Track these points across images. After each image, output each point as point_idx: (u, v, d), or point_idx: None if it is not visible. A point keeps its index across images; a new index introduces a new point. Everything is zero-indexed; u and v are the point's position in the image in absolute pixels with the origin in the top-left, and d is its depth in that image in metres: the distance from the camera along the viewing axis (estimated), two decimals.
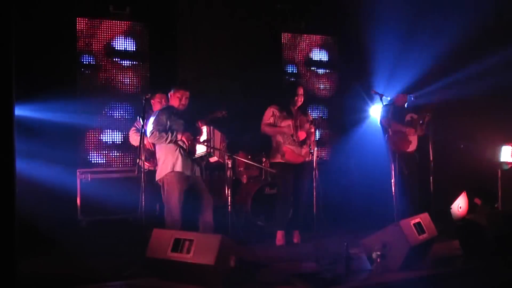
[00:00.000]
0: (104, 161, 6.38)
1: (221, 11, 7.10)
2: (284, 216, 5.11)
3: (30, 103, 5.78)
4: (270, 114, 5.11)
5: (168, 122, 4.59)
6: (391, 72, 7.12)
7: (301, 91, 5.15)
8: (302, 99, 5.12)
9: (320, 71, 7.69)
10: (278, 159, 5.07)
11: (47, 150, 5.77)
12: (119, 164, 6.40)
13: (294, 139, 5.06)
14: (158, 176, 4.64)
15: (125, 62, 6.56)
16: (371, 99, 5.93)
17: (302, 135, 5.07)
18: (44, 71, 6.06)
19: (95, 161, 6.32)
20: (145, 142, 4.92)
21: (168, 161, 4.59)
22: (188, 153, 4.60)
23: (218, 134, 4.79)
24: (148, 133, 4.55)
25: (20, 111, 5.48)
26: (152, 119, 4.59)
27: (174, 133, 4.53)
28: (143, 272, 3.82)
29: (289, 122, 5.04)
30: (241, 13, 7.18)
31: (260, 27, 7.29)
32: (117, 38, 6.51)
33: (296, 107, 5.11)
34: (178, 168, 4.55)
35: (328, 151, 7.74)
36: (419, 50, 7.04)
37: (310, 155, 5.10)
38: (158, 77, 6.51)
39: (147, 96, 4.75)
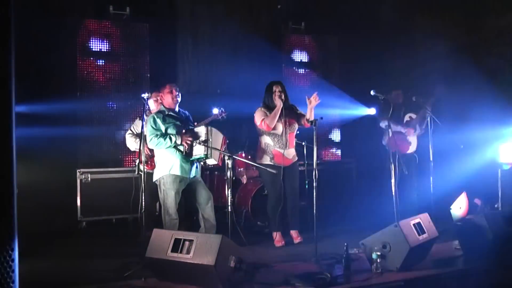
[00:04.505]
0: (104, 162, 6.38)
1: (221, 11, 7.11)
2: (276, 217, 5.12)
3: (30, 103, 5.79)
4: (262, 115, 5.04)
5: (164, 125, 4.59)
6: (390, 72, 7.13)
7: (278, 87, 5.06)
8: (283, 96, 5.00)
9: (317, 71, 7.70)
10: (267, 161, 5.07)
11: (47, 150, 5.78)
12: (119, 165, 6.40)
13: (284, 142, 5.07)
14: (156, 176, 4.68)
15: (126, 61, 6.56)
16: (371, 100, 5.92)
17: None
18: (44, 71, 6.07)
19: (95, 161, 6.32)
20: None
21: (165, 163, 4.61)
22: (185, 154, 4.60)
23: (220, 137, 4.78)
24: (147, 140, 4.55)
25: (20, 111, 5.50)
26: (148, 125, 4.58)
27: (173, 139, 4.53)
28: (143, 272, 3.81)
29: (279, 124, 5.04)
30: (241, 13, 7.19)
31: (260, 27, 7.30)
32: (119, 38, 6.52)
33: (279, 107, 4.95)
34: (175, 171, 4.57)
35: (328, 152, 7.75)
36: (417, 49, 7.06)
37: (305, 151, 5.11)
38: (158, 77, 6.51)
39: (146, 97, 4.75)
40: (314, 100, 4.88)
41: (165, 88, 4.71)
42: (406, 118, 5.87)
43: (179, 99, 4.73)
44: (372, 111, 6.18)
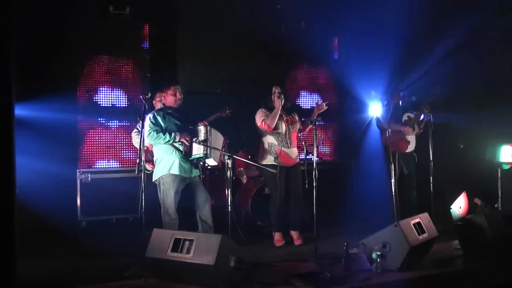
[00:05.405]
0: (104, 161, 6.39)
1: (221, 11, 7.10)
2: (277, 217, 5.12)
3: (31, 103, 5.80)
4: (262, 116, 5.10)
5: (164, 123, 4.61)
6: (390, 72, 7.12)
7: (277, 89, 5.11)
8: (283, 97, 5.01)
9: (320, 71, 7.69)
10: (270, 161, 5.07)
11: (47, 150, 5.78)
12: (119, 164, 6.40)
13: (287, 142, 5.08)
14: (155, 176, 4.68)
15: (126, 62, 6.55)
16: (371, 100, 5.92)
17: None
18: (43, 71, 6.06)
19: (95, 161, 6.32)
20: (147, 144, 4.93)
21: (165, 163, 4.62)
22: (185, 154, 4.61)
23: (220, 138, 4.79)
24: (145, 134, 4.56)
25: (20, 110, 5.50)
26: (147, 120, 4.60)
27: (172, 134, 4.55)
28: (143, 272, 3.81)
29: (282, 124, 5.07)
30: (241, 13, 7.18)
31: (260, 27, 7.29)
32: (118, 38, 6.51)
33: (279, 107, 4.99)
34: (175, 170, 4.58)
35: (328, 151, 7.74)
36: (418, 50, 7.06)
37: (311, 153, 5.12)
38: (158, 77, 6.51)
39: (147, 96, 4.75)
40: (321, 107, 5.04)
41: (169, 89, 4.75)
42: (405, 117, 5.88)
43: (181, 101, 4.77)
44: (375, 111, 6.17)
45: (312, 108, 5.35)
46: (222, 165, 4.97)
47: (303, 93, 7.54)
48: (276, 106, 5.00)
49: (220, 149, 4.75)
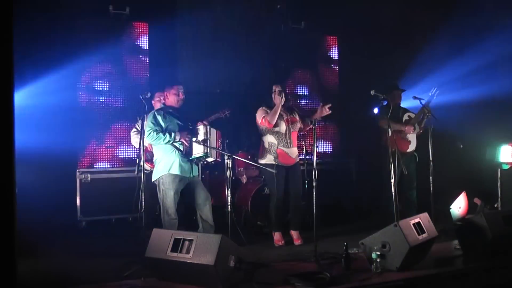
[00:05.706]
0: (104, 161, 6.39)
1: (221, 11, 7.10)
2: (277, 217, 5.13)
3: (30, 103, 5.80)
4: (263, 113, 5.11)
5: (164, 123, 4.62)
6: (390, 72, 7.13)
7: (278, 87, 5.12)
8: (283, 96, 5.02)
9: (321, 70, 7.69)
10: (270, 161, 5.07)
11: (47, 150, 5.78)
12: (119, 164, 6.40)
13: (287, 141, 5.09)
14: (155, 176, 4.69)
15: (126, 62, 6.55)
16: (371, 99, 5.91)
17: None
18: (43, 71, 6.06)
19: (95, 161, 6.32)
20: (146, 144, 4.93)
21: (164, 163, 4.63)
22: (185, 154, 4.62)
23: (214, 132, 4.81)
24: (145, 134, 4.57)
25: (20, 111, 5.48)
26: (148, 120, 4.61)
27: (173, 134, 4.56)
28: (143, 272, 3.81)
29: (282, 124, 5.07)
30: (241, 13, 7.18)
31: (260, 27, 7.29)
32: (118, 38, 6.51)
33: (279, 104, 5.00)
34: (175, 170, 4.59)
35: (328, 151, 7.74)
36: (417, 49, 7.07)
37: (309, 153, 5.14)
38: (158, 77, 6.51)
39: (146, 96, 4.76)
40: (325, 110, 5.04)
41: (172, 89, 4.76)
42: (405, 117, 5.88)
43: (183, 102, 4.78)
44: (375, 110, 6.18)
45: (313, 108, 5.35)
46: (221, 160, 4.96)
47: (303, 93, 7.54)
48: (277, 103, 5.02)
49: (216, 142, 4.76)
